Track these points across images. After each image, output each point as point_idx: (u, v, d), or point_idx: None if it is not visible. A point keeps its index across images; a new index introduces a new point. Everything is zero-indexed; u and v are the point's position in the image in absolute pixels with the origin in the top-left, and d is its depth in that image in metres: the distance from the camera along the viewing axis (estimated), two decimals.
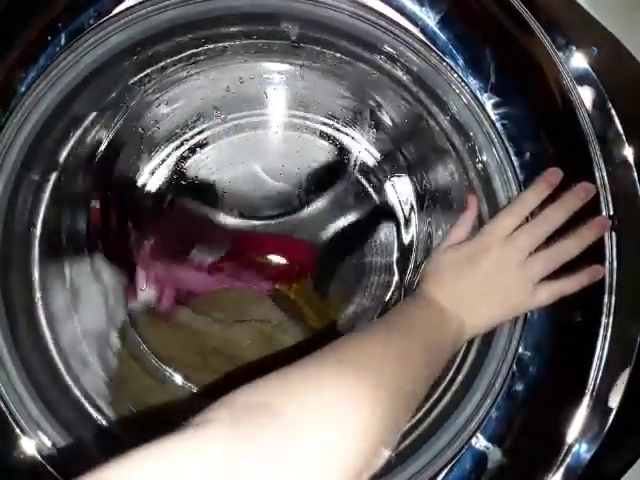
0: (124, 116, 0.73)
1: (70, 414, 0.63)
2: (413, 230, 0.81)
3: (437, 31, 0.51)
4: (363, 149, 0.82)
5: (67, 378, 0.65)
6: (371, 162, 0.82)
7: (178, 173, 0.82)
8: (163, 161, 0.81)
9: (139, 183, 0.81)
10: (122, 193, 0.81)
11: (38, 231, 0.63)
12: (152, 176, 0.81)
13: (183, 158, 0.82)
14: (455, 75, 0.52)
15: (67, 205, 0.70)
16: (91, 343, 0.71)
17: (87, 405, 0.66)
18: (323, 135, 0.82)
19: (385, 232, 0.84)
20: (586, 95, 0.50)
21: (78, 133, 0.64)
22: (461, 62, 0.52)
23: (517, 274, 0.51)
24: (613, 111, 0.50)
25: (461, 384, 0.58)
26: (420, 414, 0.59)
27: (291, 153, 0.84)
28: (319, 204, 0.84)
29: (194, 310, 0.82)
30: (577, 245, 0.50)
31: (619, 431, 0.52)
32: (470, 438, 0.54)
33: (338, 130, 0.82)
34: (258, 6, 0.58)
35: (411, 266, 0.81)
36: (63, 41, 0.54)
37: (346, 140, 0.82)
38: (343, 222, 0.85)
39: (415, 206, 0.81)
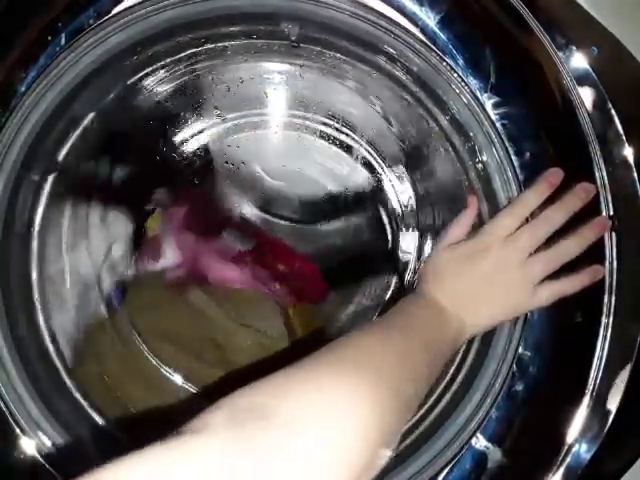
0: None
1: (70, 414, 0.63)
2: (413, 230, 0.81)
3: (437, 31, 0.51)
4: (363, 149, 0.82)
5: (66, 378, 0.65)
6: (373, 162, 0.82)
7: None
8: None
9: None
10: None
11: (36, 229, 0.63)
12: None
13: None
14: (455, 75, 0.52)
15: (91, 152, 0.70)
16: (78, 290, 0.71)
17: (86, 405, 0.66)
18: (323, 135, 0.82)
19: (385, 233, 0.84)
20: (586, 95, 0.50)
21: (77, 133, 0.64)
22: (461, 62, 0.52)
23: (517, 274, 0.51)
24: (613, 111, 0.50)
25: (461, 384, 0.58)
26: (420, 414, 0.59)
27: (291, 153, 0.84)
28: (334, 225, 0.85)
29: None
30: (577, 245, 0.50)
31: (619, 431, 0.52)
32: (470, 438, 0.54)
33: (338, 130, 0.82)
34: (258, 6, 0.58)
35: (411, 266, 0.81)
36: (63, 41, 0.54)
37: (347, 140, 0.82)
38: (346, 229, 0.85)
39: (415, 207, 0.81)
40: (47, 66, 0.54)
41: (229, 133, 0.82)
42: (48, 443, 0.59)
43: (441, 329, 0.49)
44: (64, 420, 0.61)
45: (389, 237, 0.83)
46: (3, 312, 0.59)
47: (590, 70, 0.50)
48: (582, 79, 0.50)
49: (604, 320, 0.52)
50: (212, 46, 0.67)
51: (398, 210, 0.82)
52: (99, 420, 0.66)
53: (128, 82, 0.67)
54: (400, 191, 0.82)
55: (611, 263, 0.51)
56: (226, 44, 0.67)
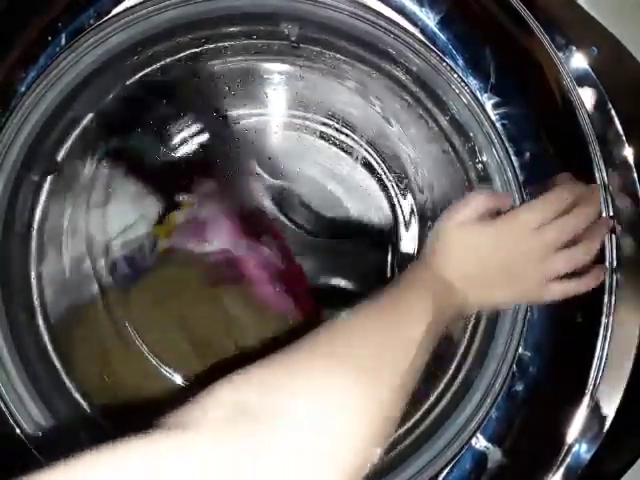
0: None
1: (70, 414, 0.63)
2: (413, 231, 0.81)
3: (437, 31, 0.51)
4: (363, 150, 0.82)
5: (66, 378, 0.65)
6: (372, 160, 0.82)
7: None
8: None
9: None
10: None
11: (36, 229, 0.63)
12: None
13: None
14: (455, 75, 0.52)
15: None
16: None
17: (86, 405, 0.66)
18: (323, 135, 0.82)
19: (385, 233, 0.84)
20: (586, 95, 0.50)
21: (76, 133, 0.64)
22: (461, 62, 0.52)
23: (538, 267, 0.50)
24: (613, 111, 0.50)
25: (461, 384, 0.58)
26: (420, 414, 0.59)
27: (291, 153, 0.84)
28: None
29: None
30: (597, 245, 0.50)
31: (619, 431, 0.52)
32: (470, 438, 0.54)
33: (338, 130, 0.82)
34: (258, 6, 0.58)
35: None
36: (63, 41, 0.54)
37: (347, 140, 0.82)
38: (345, 229, 0.85)
39: (415, 207, 0.81)
40: (47, 66, 0.54)
41: (229, 133, 0.82)
42: (48, 443, 0.59)
43: (444, 305, 0.47)
44: (64, 420, 0.61)
45: (389, 237, 0.83)
46: (3, 312, 0.59)
47: (590, 70, 0.50)
48: (582, 79, 0.50)
49: (604, 320, 0.52)
50: (212, 46, 0.67)
51: (398, 210, 0.82)
52: (100, 420, 0.66)
53: (128, 82, 0.67)
54: (400, 191, 0.82)
55: (611, 263, 0.51)
56: (226, 44, 0.67)
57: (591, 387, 0.51)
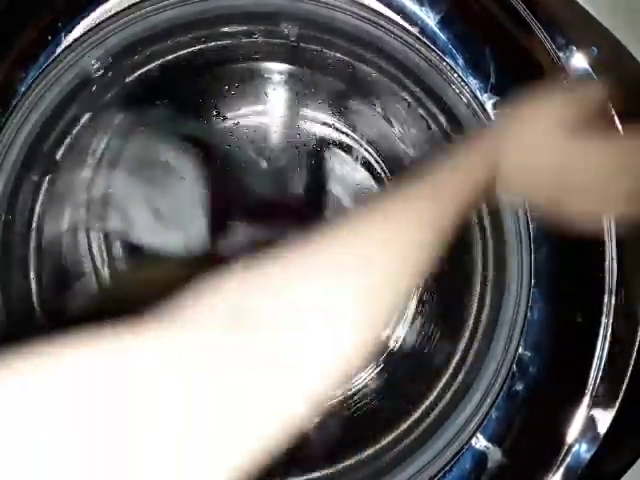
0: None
1: None
2: None
3: (437, 31, 0.51)
4: (363, 150, 0.82)
5: None
6: (372, 160, 0.82)
7: None
8: None
9: None
10: None
11: (34, 225, 0.63)
12: None
13: None
14: (455, 75, 0.52)
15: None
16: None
17: None
18: (323, 135, 0.82)
19: None
20: None
21: (75, 132, 0.64)
22: (461, 62, 0.52)
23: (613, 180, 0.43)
24: (613, 111, 0.50)
25: (461, 384, 0.58)
26: (420, 414, 0.59)
27: (291, 153, 0.84)
28: None
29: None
30: None
31: (619, 431, 0.52)
32: (470, 438, 0.54)
33: (338, 130, 0.82)
34: (258, 6, 0.58)
35: None
36: (63, 41, 0.54)
37: (347, 140, 0.82)
38: None
39: None
40: (47, 66, 0.54)
41: (229, 133, 0.82)
42: None
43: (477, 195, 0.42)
44: None
45: None
46: (4, 312, 0.59)
47: (590, 70, 0.50)
48: (582, 79, 0.50)
49: (604, 320, 0.51)
50: (212, 45, 0.67)
51: None
52: None
53: (127, 81, 0.67)
54: None
55: (611, 263, 0.51)
56: (226, 44, 0.67)
57: (591, 387, 0.51)
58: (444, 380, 0.60)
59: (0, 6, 0.53)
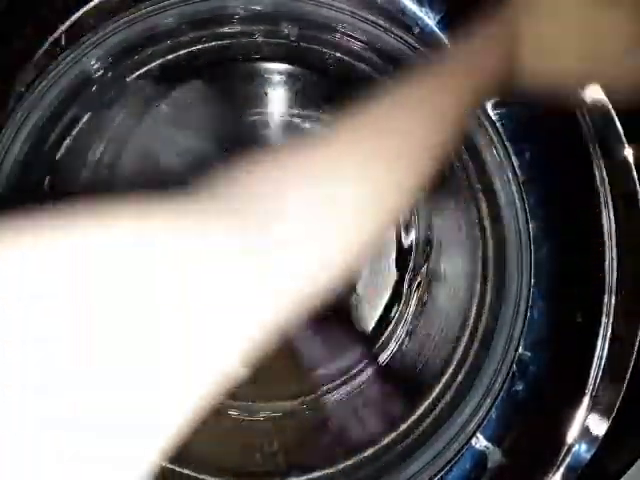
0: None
1: None
2: (413, 230, 0.81)
3: (437, 31, 0.51)
4: None
5: None
6: None
7: None
8: None
9: None
10: None
11: None
12: None
13: None
14: None
15: None
16: None
17: None
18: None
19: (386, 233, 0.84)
20: (586, 95, 0.50)
21: (75, 132, 0.64)
22: None
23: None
24: (613, 111, 0.50)
25: (461, 384, 0.58)
26: (420, 414, 0.59)
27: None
28: None
29: None
30: None
31: (619, 431, 0.52)
32: (470, 438, 0.54)
33: None
34: (259, 6, 0.58)
35: (411, 265, 0.81)
36: (63, 41, 0.54)
37: None
38: None
39: (415, 207, 0.81)
40: (47, 66, 0.54)
41: (229, 133, 0.82)
42: None
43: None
44: None
45: (389, 237, 0.83)
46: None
47: None
48: None
49: (604, 320, 0.51)
50: (212, 45, 0.67)
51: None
52: None
53: (128, 81, 0.67)
54: None
55: (611, 263, 0.51)
56: (226, 44, 0.67)
57: (591, 387, 0.51)
58: (444, 380, 0.60)
59: (0, 6, 0.53)
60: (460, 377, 0.58)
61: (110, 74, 0.60)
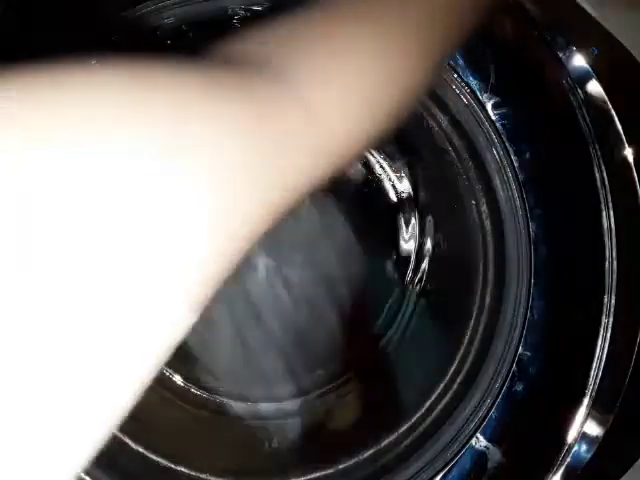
0: None
1: None
2: (413, 230, 0.81)
3: None
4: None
5: None
6: (373, 161, 0.82)
7: None
8: None
9: None
10: None
11: None
12: None
13: None
14: (455, 75, 0.52)
15: None
16: None
17: None
18: None
19: (384, 233, 0.84)
20: (586, 95, 0.50)
21: None
22: (461, 62, 0.52)
23: None
24: (613, 111, 0.50)
25: (461, 384, 0.58)
26: (420, 414, 0.59)
27: None
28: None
29: None
30: None
31: (619, 431, 0.52)
32: (470, 438, 0.54)
33: None
34: (259, 6, 0.58)
35: (411, 266, 0.81)
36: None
37: None
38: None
39: (415, 206, 0.81)
40: None
41: None
42: None
43: None
44: None
45: (388, 238, 0.83)
46: None
47: (590, 70, 0.50)
48: (582, 79, 0.50)
49: (604, 320, 0.51)
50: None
51: (399, 208, 0.82)
52: None
53: None
54: (400, 190, 0.82)
55: (611, 263, 0.51)
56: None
57: (591, 387, 0.51)
58: (444, 380, 0.60)
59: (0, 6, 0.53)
60: (460, 377, 0.58)
61: None
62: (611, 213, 0.51)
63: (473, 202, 0.59)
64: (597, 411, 0.51)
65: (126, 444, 0.59)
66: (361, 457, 0.62)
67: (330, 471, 0.62)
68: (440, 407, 0.58)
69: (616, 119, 0.50)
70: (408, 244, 0.82)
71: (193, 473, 0.60)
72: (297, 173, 0.25)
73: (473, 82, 0.52)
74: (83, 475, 0.50)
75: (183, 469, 0.60)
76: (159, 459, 0.59)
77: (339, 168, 0.28)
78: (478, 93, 0.52)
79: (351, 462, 0.62)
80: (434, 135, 0.63)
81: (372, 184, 0.83)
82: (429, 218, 0.79)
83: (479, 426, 0.54)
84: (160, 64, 0.23)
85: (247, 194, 0.23)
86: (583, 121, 0.51)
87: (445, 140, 0.59)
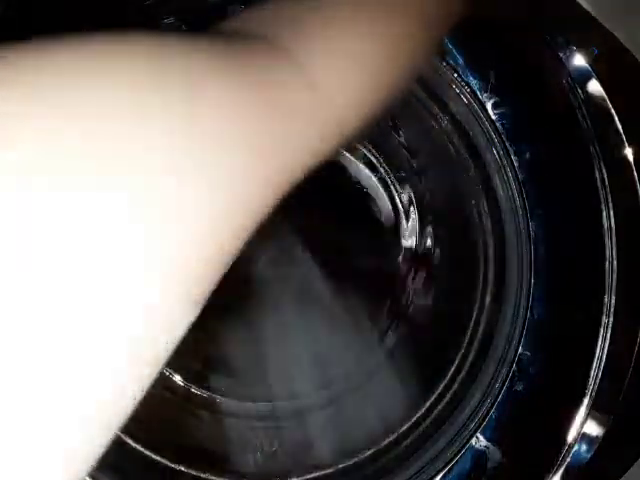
0: None
1: None
2: (413, 230, 0.81)
3: None
4: (364, 148, 0.82)
5: None
6: (373, 161, 0.82)
7: None
8: None
9: None
10: None
11: None
12: None
13: None
14: (455, 75, 0.52)
15: None
16: None
17: None
18: None
19: (386, 231, 0.84)
20: (586, 95, 0.50)
21: None
22: (461, 62, 0.52)
23: None
24: (613, 111, 0.50)
25: (461, 384, 0.58)
26: (420, 414, 0.59)
27: None
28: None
29: None
30: None
31: (619, 431, 0.52)
32: (470, 438, 0.54)
33: None
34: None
35: (411, 266, 0.81)
36: None
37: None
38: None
39: (415, 205, 0.81)
40: None
41: None
42: None
43: None
44: None
45: (390, 235, 0.83)
46: None
47: (590, 70, 0.50)
48: (582, 79, 0.50)
49: (604, 320, 0.52)
50: None
51: (399, 208, 0.82)
52: None
53: None
54: (400, 190, 0.82)
55: (611, 263, 0.51)
56: None
57: (591, 387, 0.51)
58: (444, 380, 0.60)
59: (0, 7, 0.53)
60: (460, 377, 0.58)
61: None
62: (611, 213, 0.51)
63: (473, 202, 0.59)
64: (597, 411, 0.51)
65: (126, 444, 0.59)
66: (361, 457, 0.62)
67: (330, 471, 0.62)
68: (440, 407, 0.58)
69: (616, 119, 0.50)
70: (408, 244, 0.82)
71: (193, 473, 0.61)
72: (299, 145, 0.25)
73: (473, 82, 0.52)
74: None
75: (183, 469, 0.60)
76: (159, 459, 0.59)
77: (339, 142, 0.28)
78: (478, 93, 0.52)
79: (351, 462, 0.62)
80: (434, 135, 0.63)
81: (372, 184, 0.83)
82: (429, 218, 0.79)
83: (479, 426, 0.54)
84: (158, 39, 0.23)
85: (252, 180, 0.23)
86: (583, 121, 0.50)
87: (445, 140, 0.59)
